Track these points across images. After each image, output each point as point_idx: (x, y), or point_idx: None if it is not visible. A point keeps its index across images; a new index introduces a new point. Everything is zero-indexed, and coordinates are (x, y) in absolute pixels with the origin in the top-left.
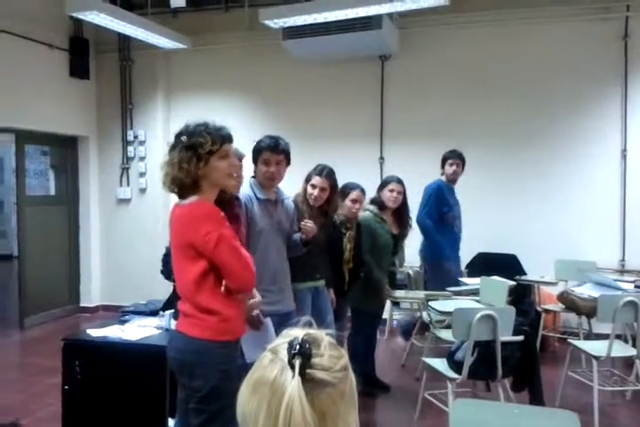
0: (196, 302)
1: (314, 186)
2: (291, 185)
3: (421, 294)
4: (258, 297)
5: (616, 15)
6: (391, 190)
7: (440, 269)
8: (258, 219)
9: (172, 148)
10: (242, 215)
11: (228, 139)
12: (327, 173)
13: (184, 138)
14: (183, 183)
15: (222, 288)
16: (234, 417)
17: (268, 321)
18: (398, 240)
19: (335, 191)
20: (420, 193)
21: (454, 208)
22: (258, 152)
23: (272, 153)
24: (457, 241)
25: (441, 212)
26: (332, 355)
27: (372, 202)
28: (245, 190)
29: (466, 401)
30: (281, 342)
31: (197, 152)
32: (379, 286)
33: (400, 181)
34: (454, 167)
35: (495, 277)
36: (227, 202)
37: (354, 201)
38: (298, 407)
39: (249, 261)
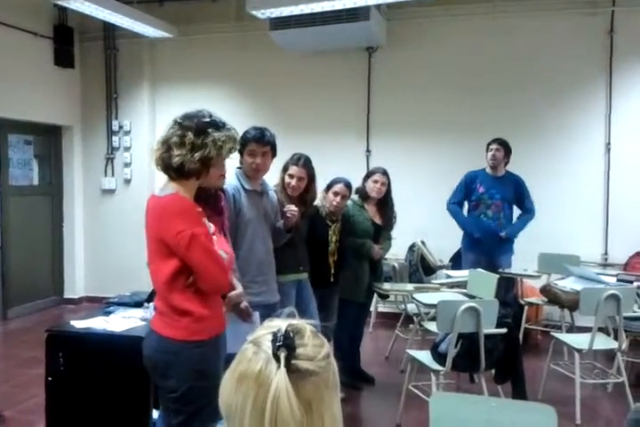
0: (169, 301)
1: (291, 175)
2: (276, 176)
3: (409, 286)
4: (239, 289)
5: (602, 10)
6: (375, 181)
7: (460, 257)
8: (245, 210)
9: (215, 128)
10: (227, 208)
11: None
12: (304, 162)
13: (231, 128)
14: (186, 169)
15: (193, 289)
16: (211, 416)
17: (257, 315)
18: (381, 230)
19: (313, 180)
20: (403, 186)
21: (481, 197)
22: (244, 143)
23: (258, 144)
24: (484, 231)
25: (469, 199)
26: (314, 344)
27: (356, 191)
28: (232, 181)
29: (445, 395)
30: (263, 333)
31: (233, 148)
32: (360, 274)
33: (385, 173)
34: (492, 152)
35: (480, 270)
36: (213, 195)
37: (335, 193)
38: (284, 399)
39: (223, 262)
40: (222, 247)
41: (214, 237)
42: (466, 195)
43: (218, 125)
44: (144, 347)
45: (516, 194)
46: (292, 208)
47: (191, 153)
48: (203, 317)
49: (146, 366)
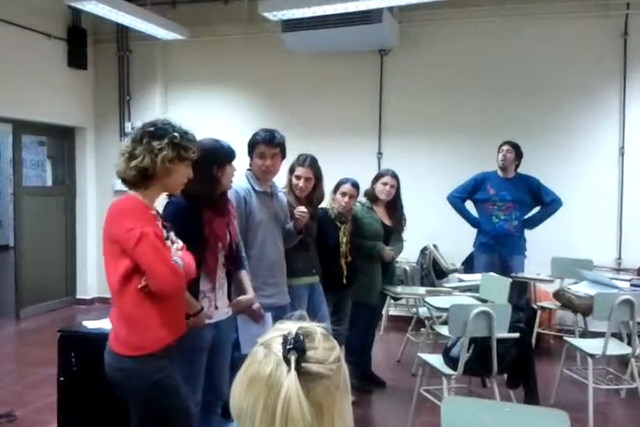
0: (119, 307)
1: (298, 177)
2: (284, 178)
3: (421, 289)
4: (250, 294)
5: (616, 13)
6: (384, 183)
7: (472, 260)
8: (256, 211)
9: (155, 137)
10: (233, 209)
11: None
12: (310, 163)
13: (176, 135)
14: (146, 174)
15: (145, 293)
16: (180, 422)
17: (269, 316)
18: (392, 232)
19: (320, 180)
20: (415, 188)
21: (492, 198)
22: (253, 145)
23: (267, 146)
24: (493, 232)
25: (474, 197)
26: (325, 347)
27: (365, 194)
28: (243, 183)
29: (457, 399)
30: (273, 335)
31: (180, 154)
32: (373, 276)
33: (394, 175)
34: (502, 153)
35: (492, 274)
36: (219, 196)
37: (343, 194)
38: (295, 402)
39: (172, 263)
40: (183, 257)
41: (175, 245)
42: (471, 193)
43: (161, 133)
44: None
45: (532, 194)
46: (301, 209)
47: (127, 162)
48: (146, 328)
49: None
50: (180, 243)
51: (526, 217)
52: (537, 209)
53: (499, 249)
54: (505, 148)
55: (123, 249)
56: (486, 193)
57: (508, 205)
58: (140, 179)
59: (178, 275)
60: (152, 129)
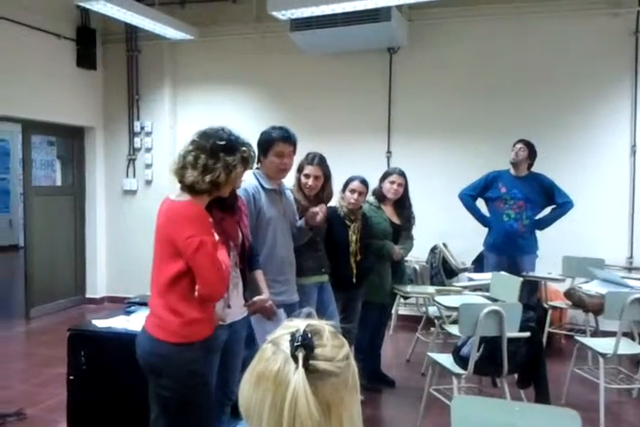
0: (165, 301)
1: (307, 175)
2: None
3: (431, 289)
4: (265, 294)
5: (626, 10)
6: (392, 182)
7: (482, 259)
8: (266, 209)
9: (228, 151)
10: (245, 207)
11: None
12: (319, 161)
13: (245, 149)
14: (217, 187)
15: (196, 293)
16: (202, 414)
17: (281, 312)
18: (400, 230)
19: (329, 179)
20: (424, 187)
21: (503, 196)
22: (269, 144)
23: (285, 144)
24: (503, 230)
25: (485, 196)
26: (334, 345)
27: (373, 193)
28: (251, 181)
29: (467, 398)
30: (282, 333)
31: (246, 167)
32: (383, 275)
33: (402, 174)
34: (515, 150)
35: (503, 273)
36: (229, 195)
37: (352, 191)
38: (303, 400)
39: (224, 272)
40: (222, 259)
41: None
42: (482, 191)
43: (233, 148)
44: (137, 345)
45: (544, 193)
46: (317, 210)
47: (202, 175)
48: (193, 320)
49: (139, 364)
50: (215, 236)
51: (538, 217)
52: (548, 210)
53: (508, 249)
54: (518, 146)
55: (178, 252)
56: (497, 191)
57: (519, 204)
58: (210, 190)
59: (225, 283)
60: (224, 143)
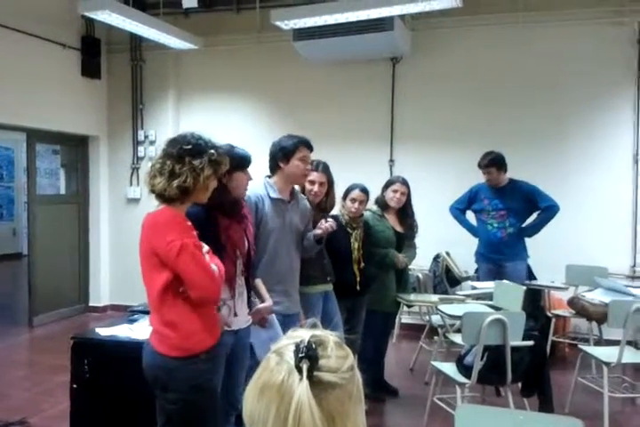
0: (161, 315)
1: (312, 182)
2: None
3: (434, 297)
4: (268, 302)
5: (629, 19)
6: (395, 191)
7: (477, 266)
8: (269, 219)
9: (194, 155)
10: (249, 215)
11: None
12: (323, 168)
13: (213, 152)
14: (187, 192)
15: (183, 300)
16: (208, 424)
17: (273, 317)
18: (404, 238)
19: (332, 186)
20: (427, 195)
21: (486, 208)
22: (294, 148)
23: (308, 149)
24: (489, 240)
25: (472, 208)
26: (338, 356)
27: (375, 202)
28: (258, 190)
29: (471, 407)
30: (286, 343)
31: (216, 170)
32: (387, 283)
33: (405, 182)
34: (486, 175)
35: (506, 282)
36: (233, 203)
37: (353, 200)
38: (307, 411)
39: (212, 271)
40: (214, 262)
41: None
42: (468, 205)
43: (200, 151)
44: (143, 358)
45: (526, 200)
46: (330, 223)
47: (169, 181)
48: (191, 332)
49: (145, 377)
50: (206, 247)
51: (523, 225)
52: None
53: (495, 257)
54: (483, 171)
55: (161, 261)
56: (481, 203)
57: (501, 213)
58: (180, 196)
59: (216, 282)
60: (190, 147)
